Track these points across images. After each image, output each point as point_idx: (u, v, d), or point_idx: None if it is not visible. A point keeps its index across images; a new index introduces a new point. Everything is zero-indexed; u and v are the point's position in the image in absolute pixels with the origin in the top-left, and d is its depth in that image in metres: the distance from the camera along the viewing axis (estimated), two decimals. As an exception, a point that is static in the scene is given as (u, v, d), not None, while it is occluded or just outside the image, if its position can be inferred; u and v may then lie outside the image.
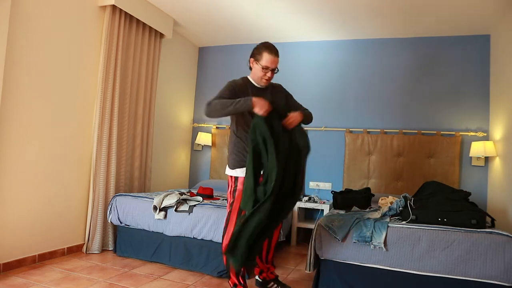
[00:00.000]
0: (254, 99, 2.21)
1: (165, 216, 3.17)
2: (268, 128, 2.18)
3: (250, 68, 2.48)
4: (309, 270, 2.66)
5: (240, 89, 2.42)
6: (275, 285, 2.66)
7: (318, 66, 4.69)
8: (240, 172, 2.40)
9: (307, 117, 2.55)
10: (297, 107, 2.60)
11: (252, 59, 2.43)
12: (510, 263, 2.25)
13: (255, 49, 2.42)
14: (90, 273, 2.90)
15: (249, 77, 2.51)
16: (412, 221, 2.62)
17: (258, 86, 2.48)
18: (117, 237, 3.46)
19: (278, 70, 2.44)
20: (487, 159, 3.99)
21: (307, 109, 2.63)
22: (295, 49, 4.76)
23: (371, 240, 2.47)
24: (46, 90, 3.09)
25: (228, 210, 2.45)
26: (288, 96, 2.65)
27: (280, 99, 2.54)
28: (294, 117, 2.35)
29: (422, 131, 4.22)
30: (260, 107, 2.19)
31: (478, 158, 3.99)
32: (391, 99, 4.41)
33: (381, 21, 4.03)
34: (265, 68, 2.37)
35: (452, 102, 4.19)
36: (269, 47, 2.37)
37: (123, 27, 3.71)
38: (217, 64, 5.25)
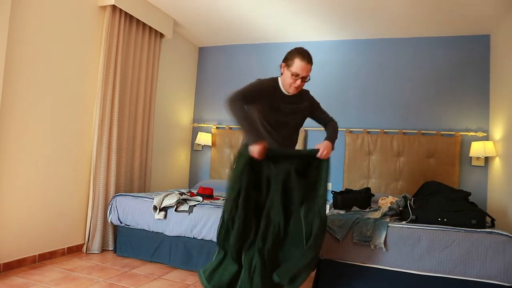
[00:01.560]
0: (253, 145, 2.06)
1: (165, 216, 3.17)
2: (246, 172, 2.10)
3: (282, 74, 2.29)
4: (309, 270, 2.65)
5: (267, 93, 2.25)
6: None
7: (318, 66, 4.66)
8: None
9: (335, 138, 2.39)
10: (322, 119, 2.50)
11: (283, 63, 2.25)
12: (510, 263, 2.25)
13: (287, 54, 2.25)
14: (90, 273, 2.90)
15: (279, 80, 2.32)
16: (412, 221, 2.62)
17: (286, 93, 2.30)
18: (117, 237, 3.46)
19: (309, 79, 2.27)
20: (487, 159, 3.99)
21: (333, 121, 2.51)
22: (295, 49, 4.75)
23: (371, 240, 2.47)
24: (46, 90, 3.09)
25: None
26: (314, 105, 2.47)
27: (302, 116, 2.40)
28: (323, 149, 2.21)
29: (422, 131, 4.22)
30: (254, 153, 2.07)
31: (478, 158, 3.99)
32: (391, 99, 4.41)
33: (381, 21, 4.03)
34: (295, 75, 2.20)
35: (452, 102, 4.19)
36: (302, 53, 2.20)
37: (123, 27, 3.71)
38: (217, 64, 5.25)
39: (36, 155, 3.03)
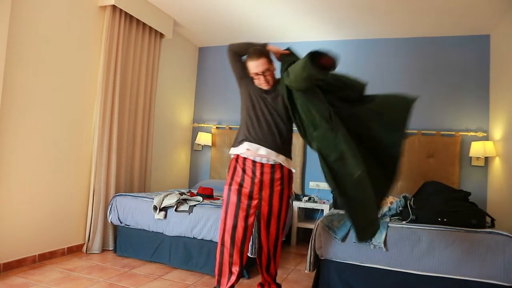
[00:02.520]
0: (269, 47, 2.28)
1: (165, 216, 3.17)
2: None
3: None
4: (309, 270, 2.66)
5: (249, 79, 2.32)
6: None
7: (318, 66, 4.69)
8: (234, 149, 2.29)
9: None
10: None
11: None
12: (510, 263, 2.25)
13: None
14: (90, 273, 2.90)
15: None
16: (412, 221, 2.62)
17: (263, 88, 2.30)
18: (117, 237, 3.46)
19: (274, 69, 2.27)
20: (487, 159, 3.99)
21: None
22: (295, 49, 4.75)
23: (371, 240, 2.47)
24: (46, 90, 3.09)
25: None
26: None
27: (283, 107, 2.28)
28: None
29: (422, 131, 4.22)
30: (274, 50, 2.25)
31: (478, 158, 3.99)
32: (391, 99, 4.40)
33: (381, 21, 4.03)
34: (255, 75, 2.21)
35: (452, 102, 4.19)
36: (250, 53, 2.22)
37: (123, 27, 3.71)
38: (217, 64, 5.25)
39: (36, 155, 3.03)
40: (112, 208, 3.40)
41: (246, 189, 2.22)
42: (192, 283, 2.81)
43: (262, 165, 2.22)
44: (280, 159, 2.24)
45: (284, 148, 2.27)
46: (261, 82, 2.22)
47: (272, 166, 2.23)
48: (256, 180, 2.22)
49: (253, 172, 2.22)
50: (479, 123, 4.09)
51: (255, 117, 2.26)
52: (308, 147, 4.63)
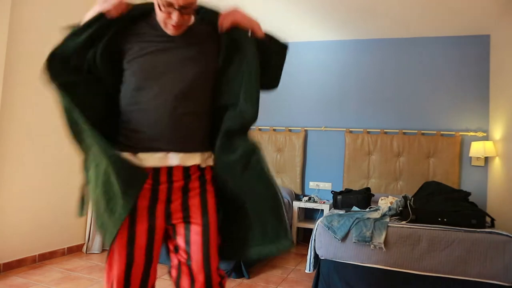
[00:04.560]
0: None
1: (165, 216, 3.16)
2: None
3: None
4: (309, 270, 2.66)
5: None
6: None
7: (318, 66, 4.69)
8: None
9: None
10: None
11: None
12: (510, 263, 2.25)
13: None
14: (90, 273, 2.90)
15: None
16: (412, 221, 2.62)
17: (168, 33, 1.26)
18: (117, 237, 3.46)
19: (202, 9, 1.32)
20: (487, 159, 3.99)
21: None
22: (295, 49, 4.75)
23: (371, 240, 2.48)
24: (46, 91, 3.09)
25: None
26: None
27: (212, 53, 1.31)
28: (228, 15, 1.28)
29: (422, 131, 4.22)
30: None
31: (478, 158, 4.00)
32: (391, 99, 4.41)
33: (381, 21, 4.03)
34: (165, 6, 1.17)
35: (452, 102, 4.19)
36: None
37: (123, 27, 3.71)
38: (217, 64, 5.24)
39: (36, 155, 3.03)
40: (112, 208, 3.40)
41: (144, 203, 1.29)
42: (192, 283, 2.81)
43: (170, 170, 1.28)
44: (198, 159, 1.30)
45: (205, 135, 1.33)
46: (169, 22, 1.20)
47: (186, 170, 1.30)
48: (162, 187, 1.28)
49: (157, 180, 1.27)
50: (479, 123, 4.09)
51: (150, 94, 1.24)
52: (308, 147, 4.63)
